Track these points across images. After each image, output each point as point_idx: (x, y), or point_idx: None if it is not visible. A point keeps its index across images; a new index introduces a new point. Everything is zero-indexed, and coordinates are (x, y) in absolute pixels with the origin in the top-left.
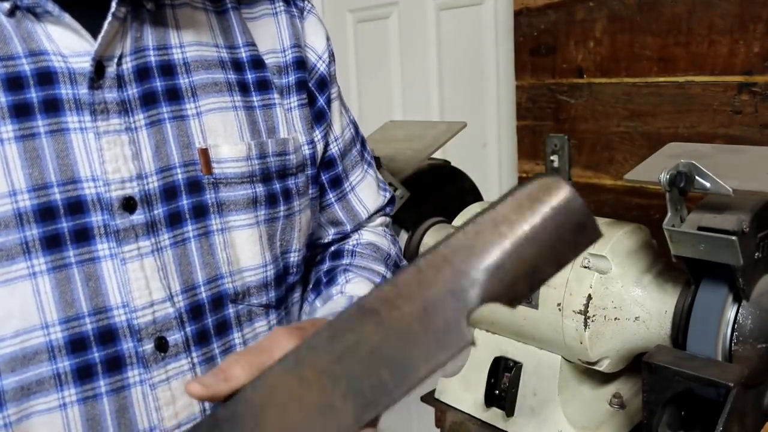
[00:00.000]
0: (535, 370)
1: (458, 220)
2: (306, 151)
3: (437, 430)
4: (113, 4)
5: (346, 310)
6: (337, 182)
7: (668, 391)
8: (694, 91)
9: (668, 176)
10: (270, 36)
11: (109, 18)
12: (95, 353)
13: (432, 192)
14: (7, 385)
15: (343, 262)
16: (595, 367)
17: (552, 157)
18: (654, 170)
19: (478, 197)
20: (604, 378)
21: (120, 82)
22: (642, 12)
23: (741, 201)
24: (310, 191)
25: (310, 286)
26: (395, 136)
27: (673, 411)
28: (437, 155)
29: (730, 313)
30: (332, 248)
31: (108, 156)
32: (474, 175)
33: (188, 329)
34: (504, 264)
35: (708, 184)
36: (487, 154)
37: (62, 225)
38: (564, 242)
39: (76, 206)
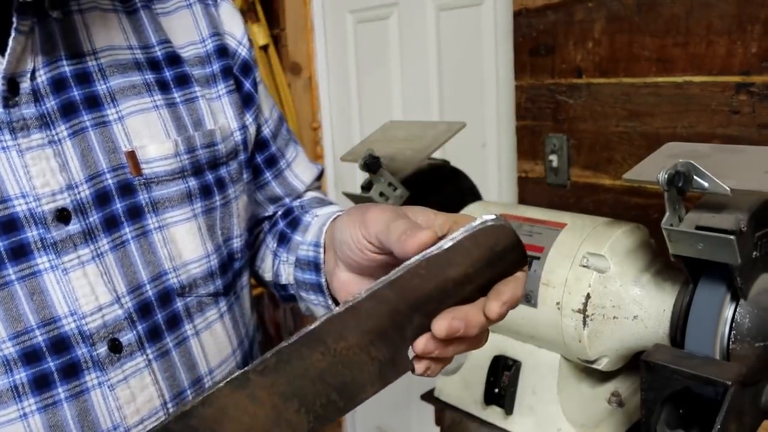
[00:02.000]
0: (534, 368)
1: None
2: (237, 137)
3: (437, 428)
4: (14, 19)
5: (293, 338)
6: (272, 161)
7: (666, 389)
8: (692, 91)
9: (666, 176)
10: (187, 28)
11: (13, 34)
12: (50, 362)
13: (432, 192)
14: None
15: (296, 213)
16: (594, 366)
17: (551, 157)
18: (652, 170)
19: (477, 197)
20: (603, 376)
21: (36, 96)
22: (641, 12)
23: (739, 200)
24: (244, 176)
25: (275, 244)
26: (395, 136)
27: (671, 409)
28: (437, 155)
29: (728, 311)
30: (279, 211)
31: (34, 171)
32: (474, 175)
33: (139, 328)
34: (444, 302)
35: (706, 184)
36: (486, 154)
37: None
38: (498, 276)
39: (9, 224)
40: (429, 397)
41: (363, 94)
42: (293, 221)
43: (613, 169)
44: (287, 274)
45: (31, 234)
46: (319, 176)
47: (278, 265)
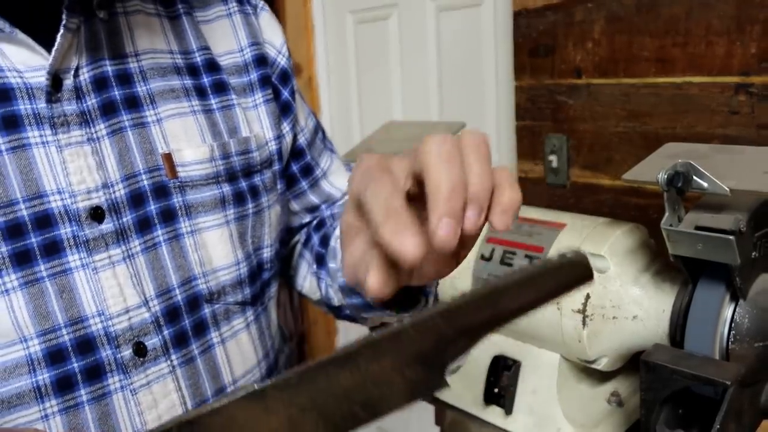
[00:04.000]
0: (534, 368)
1: None
2: (272, 146)
3: (437, 428)
4: (64, 16)
5: (322, 359)
6: (308, 171)
7: (666, 389)
8: (691, 91)
9: (666, 176)
10: (226, 37)
11: (62, 30)
12: (74, 363)
13: None
14: None
15: (326, 228)
16: (594, 366)
17: (551, 157)
18: (652, 170)
19: None
20: (603, 376)
21: (78, 93)
22: (640, 13)
23: (738, 201)
24: (278, 186)
25: (315, 265)
26: (395, 136)
27: (670, 409)
28: None
29: (728, 312)
30: (313, 222)
31: (72, 168)
32: None
33: (165, 332)
34: (495, 327)
35: (705, 184)
36: None
37: (31, 240)
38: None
39: (44, 220)
40: (429, 396)
41: (363, 94)
42: (324, 239)
43: (612, 170)
44: (338, 299)
45: (65, 231)
46: None
47: (326, 289)
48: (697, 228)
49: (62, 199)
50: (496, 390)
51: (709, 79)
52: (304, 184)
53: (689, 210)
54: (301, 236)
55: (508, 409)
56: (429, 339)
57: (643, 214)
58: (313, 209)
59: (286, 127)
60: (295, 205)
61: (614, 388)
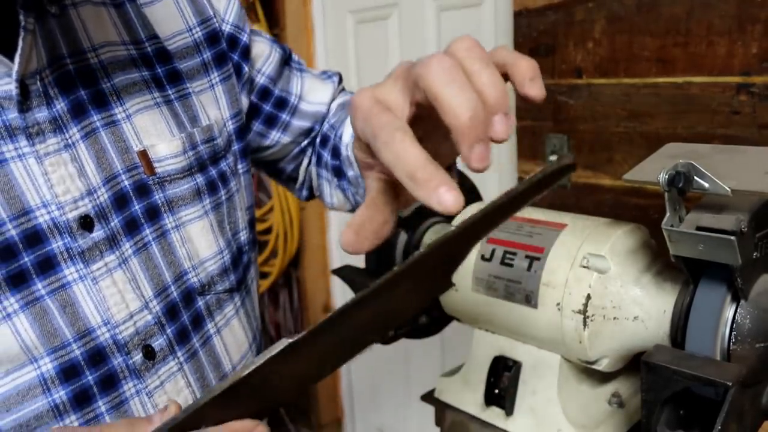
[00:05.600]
0: (535, 369)
1: (458, 220)
2: (230, 126)
3: (437, 429)
4: (21, 17)
5: (345, 305)
6: (282, 103)
7: (667, 390)
8: (692, 91)
9: (667, 176)
10: (172, 18)
11: (22, 33)
12: (89, 376)
13: None
14: (5, 426)
15: (334, 141)
16: (594, 367)
17: (551, 158)
18: (653, 170)
19: (478, 197)
20: (603, 377)
21: (47, 98)
22: (641, 13)
23: (739, 201)
24: (239, 168)
25: (335, 179)
26: None
27: (671, 410)
28: None
29: (729, 312)
30: (317, 140)
31: (55, 178)
32: (474, 175)
33: (169, 331)
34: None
35: (706, 184)
36: None
37: (24, 260)
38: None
39: (34, 237)
40: (429, 397)
41: None
42: (335, 151)
43: (613, 170)
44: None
45: (57, 245)
46: (339, 81)
47: (353, 197)
48: (698, 228)
49: (49, 212)
50: (496, 391)
51: (710, 79)
52: (284, 116)
53: (690, 210)
54: (312, 159)
55: (509, 410)
56: (441, 256)
57: (643, 215)
58: (307, 132)
59: (237, 87)
60: (286, 138)
61: (615, 389)
